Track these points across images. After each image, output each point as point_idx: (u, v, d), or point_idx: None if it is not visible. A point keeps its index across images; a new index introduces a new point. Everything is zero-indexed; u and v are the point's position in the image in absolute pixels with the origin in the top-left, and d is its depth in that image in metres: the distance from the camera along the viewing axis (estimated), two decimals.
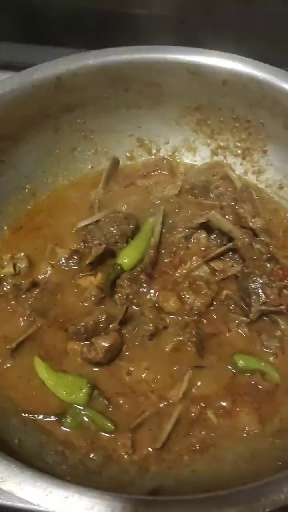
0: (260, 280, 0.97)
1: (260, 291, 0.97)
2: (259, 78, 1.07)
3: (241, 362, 0.93)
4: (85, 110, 1.19)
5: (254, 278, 0.98)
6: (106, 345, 0.92)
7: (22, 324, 0.99)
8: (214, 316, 0.99)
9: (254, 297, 0.97)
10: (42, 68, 1.09)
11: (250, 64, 1.08)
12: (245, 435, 0.86)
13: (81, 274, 1.04)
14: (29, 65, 1.11)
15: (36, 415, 0.88)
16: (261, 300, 0.96)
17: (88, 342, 0.94)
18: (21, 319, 0.99)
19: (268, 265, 1.00)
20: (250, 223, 1.06)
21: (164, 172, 1.24)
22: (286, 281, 0.98)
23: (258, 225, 1.06)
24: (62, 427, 0.87)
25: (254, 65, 1.08)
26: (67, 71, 1.10)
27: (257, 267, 1.00)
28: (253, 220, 1.06)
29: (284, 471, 0.70)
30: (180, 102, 1.19)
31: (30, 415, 0.88)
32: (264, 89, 1.08)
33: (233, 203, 1.13)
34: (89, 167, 1.25)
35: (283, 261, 1.04)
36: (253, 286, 0.97)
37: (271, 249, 1.06)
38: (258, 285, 0.97)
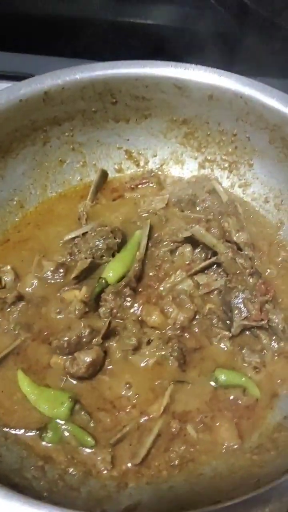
0: (242, 295, 0.98)
1: (242, 306, 0.97)
2: (244, 93, 1.08)
3: (222, 377, 0.94)
4: (73, 123, 1.19)
5: (237, 293, 0.99)
6: (89, 359, 0.93)
7: (6, 337, 0.99)
8: (197, 331, 1.00)
9: (236, 311, 0.98)
10: (30, 83, 1.10)
11: (235, 80, 1.09)
12: (224, 451, 0.87)
13: (66, 288, 1.05)
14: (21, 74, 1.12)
15: (17, 430, 0.89)
16: (243, 315, 0.97)
17: (71, 357, 0.95)
18: (5, 332, 1.00)
19: (251, 279, 1.01)
20: (235, 238, 1.07)
21: (152, 185, 1.25)
22: (268, 296, 0.99)
23: (242, 239, 1.07)
24: (43, 442, 0.88)
25: (239, 81, 1.09)
26: (54, 85, 1.11)
27: (240, 282, 1.00)
28: (237, 234, 1.07)
29: (260, 489, 0.70)
30: (168, 115, 1.20)
31: (11, 430, 0.89)
32: (248, 104, 1.08)
33: (219, 217, 1.14)
34: (78, 179, 1.26)
35: (266, 276, 1.05)
36: (235, 301, 0.98)
37: (255, 263, 1.07)
38: (240, 300, 0.98)
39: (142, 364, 0.96)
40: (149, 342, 0.98)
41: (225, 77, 1.09)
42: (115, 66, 1.13)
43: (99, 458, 0.86)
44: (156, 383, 0.94)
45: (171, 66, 1.12)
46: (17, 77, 1.13)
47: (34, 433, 0.89)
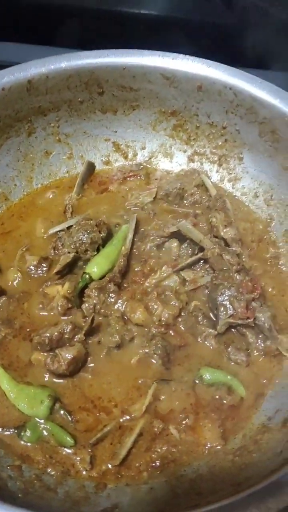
0: (228, 292, 0.96)
1: (228, 303, 0.95)
2: (233, 84, 1.05)
3: (207, 375, 0.92)
4: (59, 114, 1.16)
5: (223, 290, 0.96)
6: (70, 356, 0.90)
7: None
8: (182, 328, 0.98)
9: (222, 309, 0.95)
10: (13, 71, 1.07)
11: (224, 70, 1.06)
12: (206, 452, 0.85)
13: (48, 283, 1.03)
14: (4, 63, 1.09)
15: None
16: (229, 313, 0.95)
17: (52, 353, 0.92)
18: None
19: (237, 276, 0.99)
20: (222, 233, 1.05)
21: (140, 178, 1.22)
22: (255, 293, 0.96)
23: (230, 235, 1.04)
24: (21, 441, 0.86)
25: (229, 72, 1.06)
26: (38, 74, 1.07)
27: (226, 279, 0.98)
28: (225, 230, 1.05)
29: (239, 494, 0.68)
30: (156, 107, 1.17)
31: None
32: (238, 96, 1.06)
33: (208, 211, 1.11)
34: (64, 171, 1.23)
35: (254, 273, 1.03)
36: (221, 298, 0.96)
37: (243, 259, 1.05)
38: (227, 297, 0.96)
39: (125, 362, 0.94)
40: (132, 340, 0.95)
41: (214, 67, 1.06)
42: (102, 55, 1.09)
43: (78, 458, 0.84)
44: (140, 382, 0.92)
45: (158, 56, 1.09)
46: (0, 66, 1.09)
47: (12, 432, 0.86)
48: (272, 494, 0.63)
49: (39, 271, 1.06)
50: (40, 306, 1.01)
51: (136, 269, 1.05)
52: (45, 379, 0.92)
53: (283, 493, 0.62)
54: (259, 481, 0.67)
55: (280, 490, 0.63)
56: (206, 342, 0.96)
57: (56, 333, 0.93)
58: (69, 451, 0.85)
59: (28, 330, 0.98)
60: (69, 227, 1.10)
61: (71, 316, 0.99)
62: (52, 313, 0.99)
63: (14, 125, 1.13)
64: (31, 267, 1.06)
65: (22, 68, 1.06)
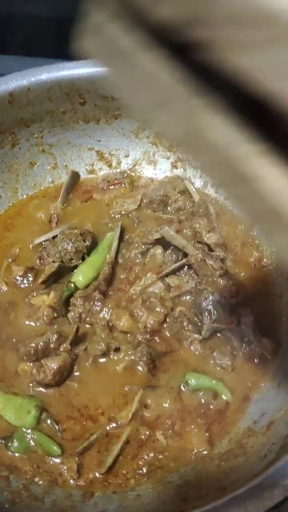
0: (212, 297, 0.97)
1: (212, 308, 0.96)
2: None
3: (192, 380, 0.93)
4: (42, 125, 1.17)
5: (207, 295, 0.97)
6: (55, 366, 0.91)
7: None
8: (167, 334, 0.98)
9: (206, 314, 0.96)
10: None
11: None
12: (193, 457, 0.85)
13: (34, 293, 1.03)
14: None
15: None
16: (213, 318, 0.96)
17: (38, 363, 0.93)
18: None
19: (221, 281, 0.99)
20: (205, 238, 1.05)
21: (125, 186, 1.23)
22: (238, 297, 0.97)
23: (213, 240, 1.05)
24: (9, 451, 0.86)
25: None
26: (19, 86, 1.08)
27: (210, 284, 0.99)
28: (208, 235, 1.05)
29: (222, 498, 0.68)
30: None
31: None
32: None
33: (191, 217, 1.12)
34: (49, 181, 1.24)
35: (237, 277, 1.03)
36: (205, 303, 0.97)
37: (227, 263, 1.06)
38: (211, 302, 0.96)
39: (111, 370, 0.94)
40: (118, 349, 0.96)
41: None
42: (82, 65, 1.10)
43: (65, 467, 0.84)
44: (126, 389, 0.92)
45: None
46: None
47: (0, 443, 0.87)
48: (253, 498, 0.63)
49: (25, 281, 1.06)
50: (26, 316, 1.01)
51: (121, 277, 1.06)
52: (32, 389, 0.93)
53: (264, 497, 0.63)
54: (243, 485, 0.68)
55: (261, 494, 0.64)
56: (191, 347, 0.97)
57: (41, 343, 0.94)
58: (56, 460, 0.85)
59: (14, 340, 0.98)
60: (54, 237, 1.11)
61: (56, 326, 1.00)
62: (38, 323, 1.00)
63: None
64: (17, 277, 1.07)
65: (3, 81, 1.07)
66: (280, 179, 0.36)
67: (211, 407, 0.91)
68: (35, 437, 0.87)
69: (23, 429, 0.88)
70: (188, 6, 0.34)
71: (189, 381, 0.92)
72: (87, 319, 0.99)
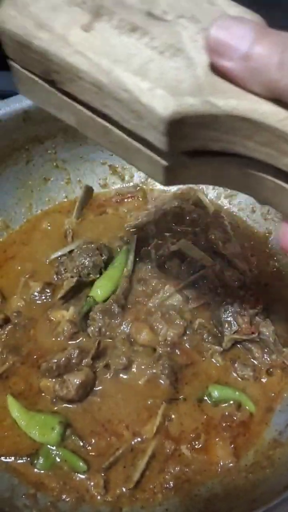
0: (231, 308, 0.97)
1: (231, 319, 0.96)
2: None
3: (215, 393, 0.93)
4: (55, 141, 1.18)
5: (226, 306, 0.97)
6: (78, 381, 0.91)
7: None
8: (188, 346, 0.99)
9: (226, 325, 0.96)
10: (9, 103, 1.09)
11: None
12: (219, 470, 0.85)
13: (53, 308, 1.03)
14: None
15: (8, 457, 0.87)
16: (233, 329, 0.96)
17: (60, 379, 0.93)
18: None
19: (240, 292, 1.00)
20: (222, 249, 1.06)
21: (138, 198, 1.24)
22: (258, 308, 0.97)
23: (230, 251, 1.06)
24: (35, 469, 0.86)
25: None
26: (34, 105, 1.09)
27: (228, 295, 0.99)
28: (224, 246, 1.06)
29: (256, 510, 0.68)
30: None
31: (1, 457, 0.87)
32: None
33: (206, 228, 1.13)
34: (63, 196, 1.25)
35: (256, 287, 1.04)
36: (225, 314, 0.97)
37: (245, 274, 1.06)
38: (230, 313, 0.97)
39: (133, 384, 0.94)
40: (139, 361, 0.96)
41: None
42: None
43: (92, 483, 0.84)
44: (149, 403, 0.92)
45: None
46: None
47: (25, 460, 0.87)
48: (285, 510, 0.63)
49: (43, 297, 1.07)
50: (46, 332, 1.02)
51: (139, 290, 1.06)
52: (55, 406, 0.93)
53: None
54: (273, 497, 0.68)
55: None
56: (212, 359, 0.97)
57: (63, 359, 0.94)
58: (82, 476, 0.85)
59: (35, 356, 0.99)
60: (70, 251, 1.11)
61: (77, 341, 1.00)
62: (58, 339, 1.00)
63: (12, 154, 1.15)
64: (35, 293, 1.07)
65: (18, 99, 1.09)
66: None
67: (235, 418, 0.91)
68: (60, 453, 0.87)
69: (48, 445, 0.88)
70: None
71: (213, 393, 0.92)
72: (107, 333, 0.99)
